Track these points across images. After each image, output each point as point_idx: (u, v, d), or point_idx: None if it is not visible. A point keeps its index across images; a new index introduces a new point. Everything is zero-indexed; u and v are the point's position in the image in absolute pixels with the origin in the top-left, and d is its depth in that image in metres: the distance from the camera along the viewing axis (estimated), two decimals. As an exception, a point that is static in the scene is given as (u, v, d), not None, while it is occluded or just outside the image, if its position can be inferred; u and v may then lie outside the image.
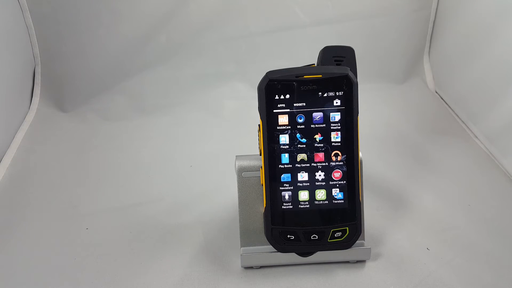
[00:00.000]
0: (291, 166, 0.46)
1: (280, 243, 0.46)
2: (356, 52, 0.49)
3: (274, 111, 0.45)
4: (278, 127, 0.45)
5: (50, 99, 0.84)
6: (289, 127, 0.45)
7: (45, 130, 0.78)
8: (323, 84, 0.44)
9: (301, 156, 0.46)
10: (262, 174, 0.46)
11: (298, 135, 0.45)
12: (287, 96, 0.44)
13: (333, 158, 0.46)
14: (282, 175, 0.46)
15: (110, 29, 0.82)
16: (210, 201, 0.61)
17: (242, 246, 0.48)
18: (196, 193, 0.63)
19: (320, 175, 0.46)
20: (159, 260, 0.51)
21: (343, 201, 0.46)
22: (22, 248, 0.53)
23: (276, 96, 0.44)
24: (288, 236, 0.46)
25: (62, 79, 0.84)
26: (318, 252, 0.48)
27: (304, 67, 0.46)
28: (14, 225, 0.57)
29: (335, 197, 0.46)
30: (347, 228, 0.46)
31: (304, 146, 0.46)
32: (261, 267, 0.50)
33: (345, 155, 0.46)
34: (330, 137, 0.45)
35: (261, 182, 0.46)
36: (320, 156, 0.46)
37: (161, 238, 0.55)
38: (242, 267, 0.50)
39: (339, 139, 0.46)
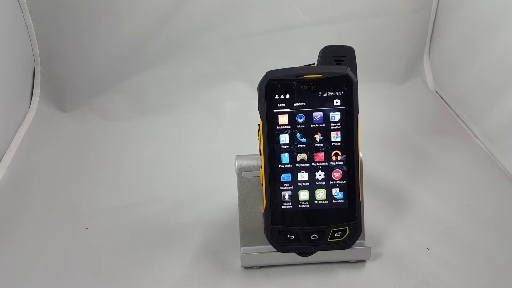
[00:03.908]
0: (291, 166, 0.46)
1: (280, 243, 0.46)
2: (356, 51, 0.49)
3: (274, 110, 0.45)
4: (278, 127, 0.45)
5: (50, 99, 0.84)
6: (289, 126, 0.45)
7: (45, 130, 0.78)
8: (323, 84, 0.44)
9: (301, 156, 0.46)
10: (262, 174, 0.46)
11: (298, 134, 0.45)
12: (287, 95, 0.44)
13: (333, 158, 0.46)
14: (282, 175, 0.46)
15: (111, 29, 0.82)
16: (210, 201, 0.61)
17: (242, 246, 0.48)
18: (196, 193, 0.63)
19: (320, 175, 0.46)
20: (159, 260, 0.51)
21: (343, 201, 0.46)
22: (22, 248, 0.53)
23: (276, 95, 0.44)
24: (288, 236, 0.46)
25: (62, 79, 0.84)
26: (318, 252, 0.48)
27: (304, 67, 0.46)
28: (14, 225, 0.57)
29: (335, 197, 0.46)
30: (347, 228, 0.46)
31: (304, 145, 0.46)
32: (261, 267, 0.50)
33: (345, 155, 0.46)
34: (330, 137, 0.45)
35: (261, 182, 0.46)
36: (320, 156, 0.46)
37: (161, 238, 0.55)
38: (242, 267, 0.50)
39: (339, 139, 0.46)
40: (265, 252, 0.48)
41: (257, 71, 0.52)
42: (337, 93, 0.45)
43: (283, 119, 0.45)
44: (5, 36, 0.74)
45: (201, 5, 0.83)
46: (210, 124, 0.80)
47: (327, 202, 0.46)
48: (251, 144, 0.57)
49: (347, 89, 0.45)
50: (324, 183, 0.46)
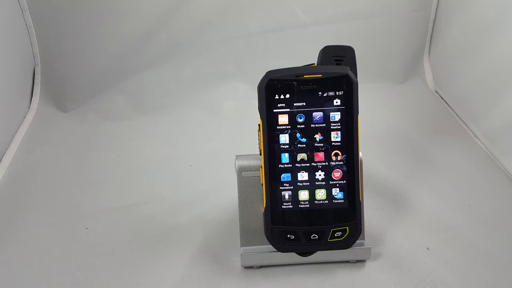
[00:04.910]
0: (291, 165, 0.46)
1: (280, 242, 0.46)
2: (356, 51, 0.49)
3: (274, 110, 0.45)
4: (278, 127, 0.45)
5: (50, 99, 0.84)
6: (289, 126, 0.45)
7: (45, 130, 0.78)
8: (323, 84, 0.44)
9: (301, 155, 0.46)
10: (262, 173, 0.46)
11: (298, 134, 0.45)
12: (287, 95, 0.44)
13: (333, 158, 0.46)
14: (282, 175, 0.46)
15: (110, 29, 0.82)
16: (210, 201, 0.61)
17: (242, 245, 0.48)
18: (196, 193, 0.63)
19: (320, 175, 0.46)
20: (159, 260, 0.51)
21: (343, 200, 0.46)
22: (22, 248, 0.53)
23: (276, 95, 0.44)
24: (288, 235, 0.46)
25: (62, 79, 0.84)
26: (318, 252, 0.48)
27: (304, 67, 0.46)
28: (14, 225, 0.57)
29: (335, 196, 0.46)
30: (347, 227, 0.46)
31: (304, 145, 0.46)
32: (261, 267, 0.50)
33: (345, 155, 0.46)
34: (330, 137, 0.45)
35: (261, 182, 0.46)
36: (320, 155, 0.46)
37: (161, 238, 0.55)
38: (242, 267, 0.50)
39: (339, 139, 0.46)
40: (265, 252, 0.48)
41: (257, 71, 0.52)
42: (337, 93, 0.45)
43: (283, 119, 0.45)
44: (5, 36, 0.74)
45: (201, 5, 0.83)
46: (210, 124, 0.80)
47: (327, 202, 0.46)
48: (251, 144, 0.57)
49: (347, 89, 0.45)
50: (324, 183, 0.46)
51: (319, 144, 0.46)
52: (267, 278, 0.48)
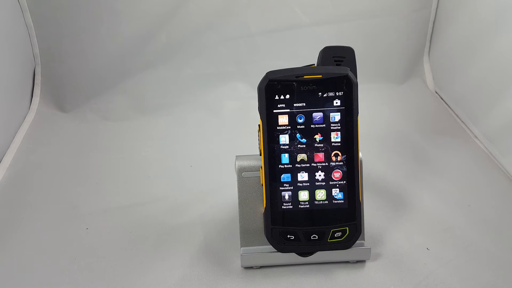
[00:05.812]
0: (291, 166, 0.46)
1: (280, 243, 0.47)
2: (356, 52, 0.49)
3: (274, 111, 0.45)
4: (278, 127, 0.45)
5: (50, 99, 0.84)
6: (289, 127, 0.45)
7: (45, 130, 0.78)
8: (323, 84, 0.44)
9: (301, 156, 0.46)
10: (262, 174, 0.46)
11: (298, 135, 0.45)
12: (287, 96, 0.45)
13: (333, 158, 0.46)
14: (282, 175, 0.46)
15: (110, 29, 0.82)
16: (210, 201, 0.61)
17: (242, 246, 0.48)
18: (196, 193, 0.63)
19: (320, 175, 0.46)
20: (159, 260, 0.51)
21: (343, 201, 0.46)
22: (22, 248, 0.53)
23: (276, 96, 0.44)
24: (288, 236, 0.46)
25: (62, 79, 0.84)
26: (318, 252, 0.48)
27: (304, 67, 0.46)
28: (14, 225, 0.57)
29: (335, 197, 0.46)
30: (347, 228, 0.46)
31: (304, 146, 0.46)
32: (261, 267, 0.50)
33: (345, 155, 0.46)
34: (330, 137, 0.45)
35: (261, 182, 0.46)
36: (320, 156, 0.46)
37: (161, 238, 0.55)
38: (242, 267, 0.50)
39: (339, 139, 0.46)
40: (265, 252, 0.48)
41: (257, 71, 0.52)
42: (337, 93, 0.45)
43: (283, 120, 0.45)
44: (5, 36, 0.74)
45: (201, 5, 0.83)
46: (210, 124, 0.80)
47: (327, 202, 0.46)
48: (251, 144, 0.57)
49: (347, 89, 0.45)
50: (324, 183, 0.46)
51: (319, 145, 0.46)
52: (267, 278, 0.48)
